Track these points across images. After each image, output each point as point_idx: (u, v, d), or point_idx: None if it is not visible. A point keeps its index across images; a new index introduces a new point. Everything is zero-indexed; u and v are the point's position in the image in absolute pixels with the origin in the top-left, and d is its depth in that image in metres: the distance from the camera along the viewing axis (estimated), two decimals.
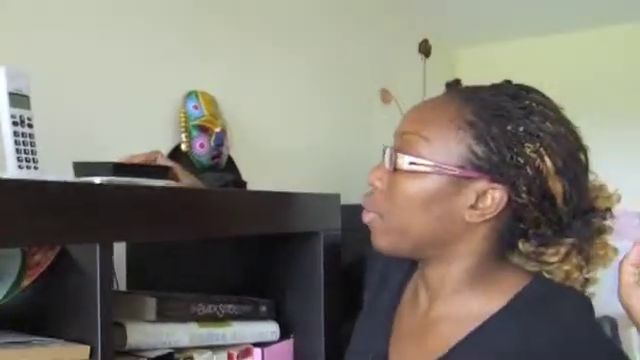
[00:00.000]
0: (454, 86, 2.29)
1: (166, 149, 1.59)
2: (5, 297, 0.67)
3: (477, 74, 2.90)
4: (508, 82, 0.92)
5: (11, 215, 0.60)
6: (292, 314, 1.08)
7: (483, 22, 2.92)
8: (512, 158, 0.82)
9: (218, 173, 1.66)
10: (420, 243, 0.88)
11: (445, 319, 0.91)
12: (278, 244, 1.07)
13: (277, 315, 1.07)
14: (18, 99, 0.94)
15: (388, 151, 0.87)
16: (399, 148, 0.86)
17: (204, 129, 1.62)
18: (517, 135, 0.82)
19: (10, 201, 0.60)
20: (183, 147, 1.60)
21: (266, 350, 1.01)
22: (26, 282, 0.68)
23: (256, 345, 1.01)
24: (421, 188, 0.85)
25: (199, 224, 0.81)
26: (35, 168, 0.88)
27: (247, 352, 0.99)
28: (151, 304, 0.84)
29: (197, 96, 1.65)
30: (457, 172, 0.83)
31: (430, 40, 2.37)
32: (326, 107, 2.30)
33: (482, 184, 0.83)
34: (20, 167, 0.85)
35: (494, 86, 0.89)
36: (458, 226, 0.86)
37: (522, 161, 0.82)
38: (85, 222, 0.67)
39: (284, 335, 1.07)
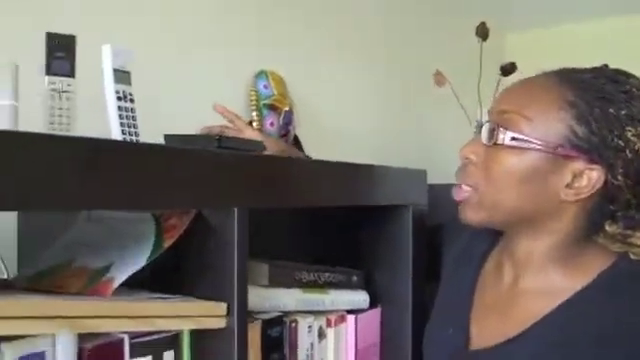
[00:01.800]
0: (510, 70, 2.30)
1: None
2: (150, 257, 0.71)
3: (531, 58, 2.92)
4: (605, 66, 0.95)
5: (151, 180, 0.63)
6: (380, 284, 1.12)
7: (539, 5, 2.92)
8: (612, 140, 0.85)
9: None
10: (512, 217, 0.91)
11: (530, 293, 0.94)
12: (367, 216, 1.11)
13: (366, 285, 1.12)
14: (121, 75, 0.99)
15: (487, 126, 0.90)
16: (500, 124, 0.89)
17: (274, 108, 1.66)
18: (619, 118, 0.85)
19: (151, 166, 0.63)
20: (254, 125, 1.64)
21: (358, 317, 1.05)
22: (167, 244, 0.73)
23: (349, 312, 1.05)
24: (521, 164, 0.88)
25: (311, 193, 0.85)
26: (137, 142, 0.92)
27: (342, 318, 1.03)
28: (264, 270, 0.89)
29: (267, 76, 1.69)
30: (557, 150, 0.86)
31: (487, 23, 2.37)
32: (384, 89, 2.33)
33: (579, 164, 0.86)
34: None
35: (593, 69, 0.92)
36: (551, 203, 0.89)
37: (622, 144, 0.85)
38: (224, 188, 0.71)
39: (372, 304, 1.11)
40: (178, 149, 0.68)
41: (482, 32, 2.28)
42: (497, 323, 0.95)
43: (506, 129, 0.88)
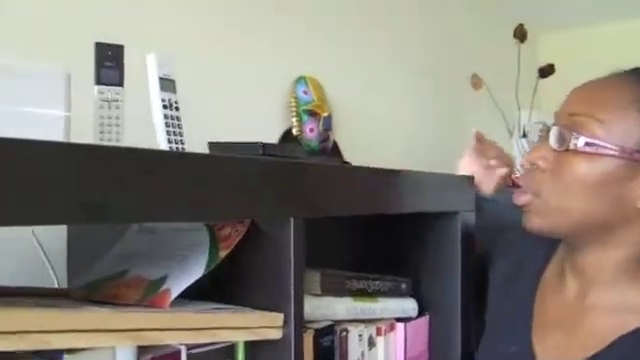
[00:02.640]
0: (548, 71, 2.26)
1: (277, 133, 1.63)
2: (208, 267, 0.71)
3: (565, 58, 2.88)
4: None
5: (207, 190, 0.62)
6: (428, 292, 1.11)
7: (572, 5, 2.89)
8: None
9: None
10: (581, 226, 0.87)
11: (600, 309, 0.89)
12: (414, 223, 1.10)
13: (414, 293, 1.10)
14: (167, 83, 0.99)
15: (556, 130, 0.86)
16: (571, 128, 0.85)
17: (313, 114, 1.66)
18: None
19: (204, 176, 0.62)
20: (294, 131, 1.64)
21: (407, 325, 1.04)
22: (223, 253, 0.72)
23: (398, 320, 1.04)
24: (595, 170, 0.84)
25: (364, 201, 0.84)
26: (182, 150, 0.92)
27: (391, 327, 1.02)
28: (316, 278, 0.88)
29: (306, 81, 1.69)
30: (634, 156, 0.82)
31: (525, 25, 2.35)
32: (421, 93, 2.32)
33: None
34: (170, 149, 0.90)
35: None
36: (627, 212, 0.84)
37: None
38: (279, 197, 0.70)
39: (420, 312, 1.10)
40: (234, 158, 0.68)
41: (520, 34, 2.26)
42: (563, 342, 0.92)
43: (578, 133, 0.84)
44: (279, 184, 0.70)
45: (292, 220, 0.70)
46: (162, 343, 0.63)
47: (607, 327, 0.87)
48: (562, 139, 0.85)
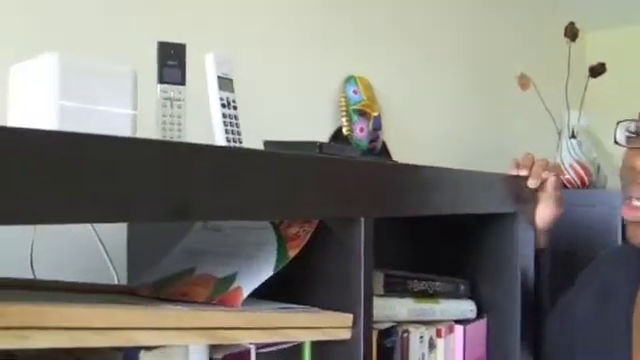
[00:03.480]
0: (599, 70, 2.22)
1: (328, 132, 1.63)
2: (277, 266, 0.71)
3: (615, 58, 2.83)
4: None
5: (277, 188, 0.62)
6: (486, 294, 1.09)
7: (624, 3, 2.84)
8: None
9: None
10: None
11: None
12: (473, 224, 1.09)
13: (472, 295, 1.09)
14: (225, 82, 0.99)
15: None
16: None
17: (363, 113, 1.65)
18: None
19: (271, 173, 0.62)
20: (344, 131, 1.63)
21: (467, 328, 1.03)
22: (292, 253, 0.72)
23: (457, 322, 1.02)
24: None
25: (427, 201, 0.83)
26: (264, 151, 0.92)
27: (451, 329, 1.00)
28: (380, 279, 0.87)
29: (356, 81, 1.68)
30: None
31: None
32: (470, 93, 2.30)
33: None
34: None
35: None
36: None
37: None
38: (350, 197, 0.70)
39: (478, 314, 1.08)
40: (302, 157, 0.67)
41: (571, 32, 2.22)
42: None
43: None
44: (350, 183, 0.70)
45: (362, 220, 0.70)
46: (235, 342, 0.63)
47: None
48: None
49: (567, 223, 2.08)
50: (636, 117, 0.88)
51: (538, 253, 1.11)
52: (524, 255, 1.07)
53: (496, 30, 2.45)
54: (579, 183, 2.15)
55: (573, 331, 1.03)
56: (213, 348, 0.65)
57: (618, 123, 0.89)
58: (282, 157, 0.64)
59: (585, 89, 2.34)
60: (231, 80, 1.01)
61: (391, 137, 1.81)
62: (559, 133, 2.31)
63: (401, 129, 1.89)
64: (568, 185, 2.17)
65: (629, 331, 0.94)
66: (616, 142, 0.89)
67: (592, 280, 1.04)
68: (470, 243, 1.11)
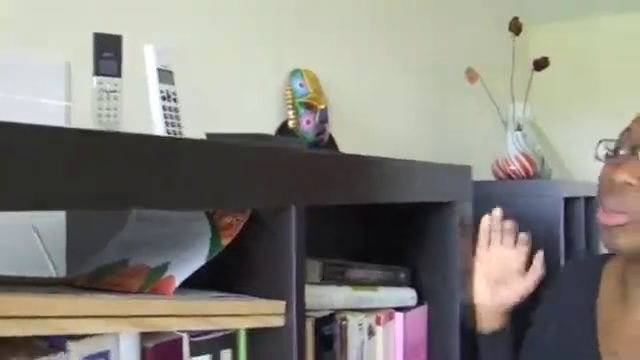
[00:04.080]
0: (543, 64, 2.27)
1: (274, 125, 1.64)
2: (210, 255, 0.71)
3: (558, 53, 2.89)
4: None
5: (206, 178, 0.62)
6: (426, 282, 1.11)
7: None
8: None
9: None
10: None
11: None
12: (412, 213, 1.10)
13: (412, 282, 1.11)
14: (165, 75, 0.99)
15: None
16: None
17: (309, 106, 1.66)
18: None
19: (205, 163, 0.62)
20: (290, 124, 1.64)
21: (407, 315, 1.05)
22: (225, 242, 0.72)
23: (397, 310, 1.04)
24: None
25: (363, 190, 0.85)
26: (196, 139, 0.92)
27: (390, 316, 1.02)
28: (316, 268, 0.88)
29: (302, 74, 1.69)
30: None
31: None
32: (418, 86, 2.33)
33: None
34: None
35: None
36: None
37: None
38: (280, 185, 0.70)
39: (419, 302, 1.10)
40: (234, 146, 0.68)
41: (515, 27, 2.27)
42: (634, 358, 0.95)
43: None
44: (280, 173, 0.71)
45: (293, 208, 0.71)
46: (166, 330, 0.64)
47: None
48: None
49: (513, 213, 2.13)
50: (615, 137, 0.96)
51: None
52: (463, 242, 1.09)
53: (443, 24, 2.49)
54: (524, 174, 2.20)
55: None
56: (144, 337, 0.65)
57: (600, 142, 0.96)
58: (211, 146, 0.65)
59: (529, 82, 2.39)
60: (171, 72, 1.01)
61: (338, 130, 1.82)
62: (505, 125, 2.35)
63: (348, 122, 1.90)
64: (513, 176, 2.21)
65: (594, 335, 0.99)
66: (597, 158, 0.96)
67: (554, 308, 1.09)
68: (411, 232, 1.13)
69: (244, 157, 0.67)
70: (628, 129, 0.95)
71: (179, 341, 0.68)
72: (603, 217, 0.91)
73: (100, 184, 0.50)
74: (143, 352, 0.64)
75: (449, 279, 1.09)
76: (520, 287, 1.16)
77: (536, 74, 2.43)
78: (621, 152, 0.93)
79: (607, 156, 0.96)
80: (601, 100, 3.39)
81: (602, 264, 1.09)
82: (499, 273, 1.13)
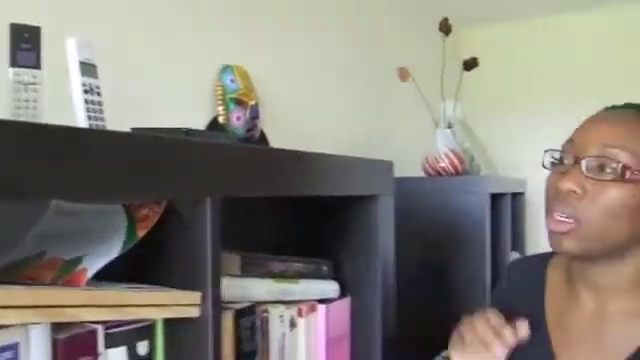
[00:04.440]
0: (472, 64, 2.33)
1: (204, 121, 1.63)
2: (124, 247, 0.71)
3: (489, 53, 2.97)
4: None
5: (120, 170, 0.63)
6: (349, 274, 1.13)
7: (498, 1, 2.99)
8: None
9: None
10: (613, 247, 0.94)
11: (622, 315, 0.97)
12: (335, 207, 1.12)
13: (335, 275, 1.13)
14: (87, 68, 0.99)
15: (595, 160, 0.93)
16: (607, 157, 0.91)
17: (240, 102, 1.67)
18: None
19: (117, 156, 0.63)
20: (221, 119, 1.64)
21: (329, 307, 1.06)
22: (140, 234, 0.73)
23: (320, 302, 1.06)
24: (630, 197, 0.91)
25: (283, 182, 0.86)
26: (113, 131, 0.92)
27: (312, 308, 1.04)
28: (236, 261, 0.89)
29: (233, 70, 1.69)
30: None
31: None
32: (350, 84, 2.36)
33: None
34: None
35: None
36: None
37: None
38: (196, 178, 0.71)
39: (342, 294, 1.12)
40: (149, 137, 0.68)
41: (445, 27, 2.32)
42: (592, 354, 0.98)
43: (617, 163, 0.90)
44: (195, 165, 0.71)
45: (209, 200, 0.72)
46: (77, 320, 0.64)
47: (632, 331, 0.95)
48: (600, 169, 0.92)
49: (443, 207, 2.18)
50: (559, 147, 0.99)
51: None
52: (384, 236, 1.12)
53: (377, 21, 2.52)
54: (453, 171, 2.25)
55: None
56: (56, 329, 0.64)
57: (546, 151, 1.00)
58: (124, 139, 0.65)
59: (459, 82, 2.44)
60: (94, 66, 1.00)
61: (270, 126, 1.83)
62: (436, 123, 2.40)
63: (280, 118, 1.91)
64: (443, 173, 2.26)
65: (545, 330, 1.03)
66: (544, 166, 1.00)
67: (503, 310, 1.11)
68: (334, 225, 1.15)
69: (158, 150, 0.67)
70: (570, 140, 0.99)
71: (93, 333, 0.68)
72: (551, 224, 0.95)
73: (12, 174, 0.50)
74: (54, 344, 0.64)
75: (371, 272, 1.11)
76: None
77: (467, 74, 2.49)
78: (565, 162, 0.97)
79: (553, 164, 1.00)
80: (528, 100, 3.49)
81: (546, 262, 1.13)
82: None
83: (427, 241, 2.19)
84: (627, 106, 1.00)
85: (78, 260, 0.71)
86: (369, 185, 1.09)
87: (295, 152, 0.88)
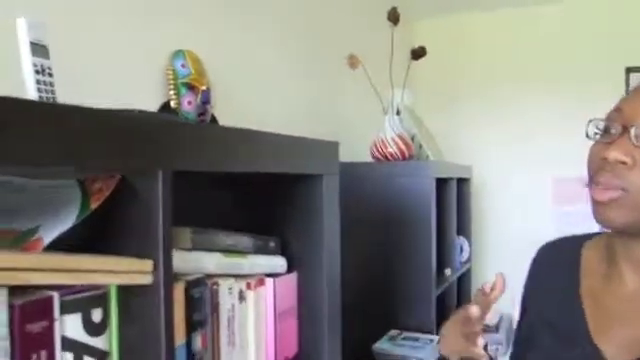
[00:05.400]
0: (420, 53, 2.39)
1: (156, 105, 1.66)
2: (78, 218, 0.75)
3: (437, 44, 3.04)
4: None
5: (74, 143, 0.65)
6: (296, 251, 1.18)
7: None
8: None
9: None
10: None
11: None
12: (283, 186, 1.17)
13: (283, 251, 1.18)
14: (38, 49, 1.01)
15: (636, 130, 0.91)
16: None
17: (191, 87, 1.70)
18: None
19: (75, 128, 0.66)
20: (172, 104, 1.67)
21: (276, 281, 1.11)
22: (93, 206, 0.76)
23: (268, 276, 1.11)
24: None
25: (234, 159, 0.90)
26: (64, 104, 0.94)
27: (261, 282, 1.08)
28: (187, 234, 0.93)
29: (184, 55, 1.72)
30: None
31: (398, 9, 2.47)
32: (299, 71, 2.40)
33: None
34: None
35: None
36: None
37: None
38: (148, 152, 0.75)
39: (290, 269, 1.17)
40: (102, 111, 0.71)
41: (393, 17, 2.38)
42: (631, 335, 0.97)
43: None
44: (147, 139, 0.75)
45: (160, 173, 0.75)
46: (32, 283, 0.67)
47: None
48: None
49: (390, 191, 2.24)
50: (603, 116, 0.98)
51: None
52: (329, 215, 1.17)
53: (328, 8, 2.57)
54: (400, 156, 2.32)
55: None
56: (13, 295, 0.67)
57: (590, 121, 0.98)
58: (76, 111, 0.68)
59: (407, 70, 2.51)
60: (46, 47, 1.02)
61: (222, 111, 1.86)
62: (385, 110, 2.46)
63: (232, 103, 1.95)
64: (390, 158, 2.33)
65: (583, 317, 1.03)
66: (587, 136, 0.98)
67: (536, 297, 1.14)
68: (282, 204, 1.19)
69: (111, 123, 0.71)
70: (618, 109, 0.96)
71: (49, 299, 0.71)
72: (596, 193, 0.94)
73: None
74: (11, 309, 0.67)
75: (317, 248, 1.16)
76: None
77: (415, 63, 2.55)
78: (612, 131, 0.95)
79: (597, 135, 0.98)
80: (475, 89, 3.60)
81: (581, 243, 1.13)
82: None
83: (376, 224, 2.26)
84: None
85: (34, 230, 0.74)
86: (315, 165, 1.13)
87: (243, 130, 0.93)
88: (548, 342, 1.07)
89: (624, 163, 0.91)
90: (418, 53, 2.51)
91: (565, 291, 1.07)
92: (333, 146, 1.18)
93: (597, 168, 0.95)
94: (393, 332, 2.18)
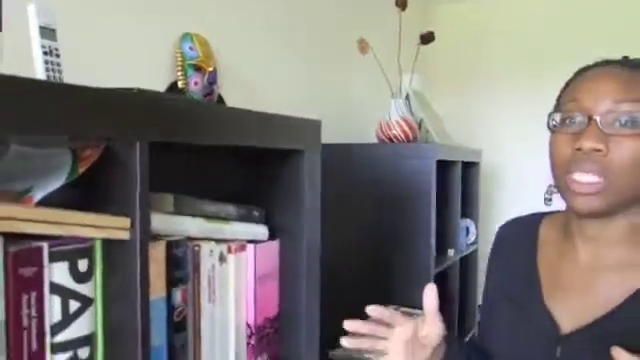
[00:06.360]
0: (428, 38, 2.46)
1: (164, 85, 1.77)
2: (68, 179, 0.86)
3: (454, 28, 3.10)
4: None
5: (66, 116, 0.77)
6: (279, 220, 1.28)
7: None
8: None
9: None
10: (627, 202, 0.99)
11: (614, 267, 1.03)
12: (269, 160, 1.27)
13: (266, 220, 1.28)
14: (47, 32, 1.12)
15: (601, 118, 0.95)
16: (621, 112, 0.95)
17: (198, 68, 1.81)
18: None
19: (60, 103, 0.76)
20: (179, 84, 1.78)
21: (257, 247, 1.21)
22: (81, 169, 0.88)
23: (249, 242, 1.21)
24: None
25: (212, 132, 1.01)
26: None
27: (242, 247, 1.19)
28: (169, 200, 1.04)
29: (192, 38, 1.83)
30: None
31: None
32: (309, 54, 2.49)
33: None
34: None
35: None
36: None
37: None
38: (129, 123, 0.86)
39: (271, 237, 1.27)
40: (93, 89, 0.82)
41: (401, 2, 2.45)
42: (581, 302, 1.04)
43: (630, 116, 0.93)
44: (128, 114, 0.86)
45: (138, 143, 0.86)
46: (26, 231, 0.78)
47: (621, 282, 1.01)
48: (618, 123, 0.95)
49: (393, 172, 2.33)
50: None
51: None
52: (311, 190, 1.27)
53: None
54: (404, 138, 2.41)
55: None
56: (7, 244, 0.79)
57: (549, 115, 1.03)
58: (69, 90, 0.79)
59: (416, 55, 2.59)
60: (54, 30, 1.13)
61: (229, 91, 1.97)
62: (393, 94, 2.55)
63: (238, 84, 2.06)
64: (395, 140, 2.42)
65: (537, 279, 1.12)
66: (549, 128, 1.04)
67: (498, 271, 1.24)
68: (267, 176, 1.29)
69: (98, 100, 0.82)
70: (573, 99, 1.00)
71: (39, 249, 0.83)
72: (574, 186, 0.97)
73: None
74: (6, 255, 0.79)
75: (299, 219, 1.26)
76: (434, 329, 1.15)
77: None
78: (577, 120, 0.98)
79: (557, 126, 1.01)
80: (491, 75, 3.64)
81: (539, 220, 1.20)
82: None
83: (378, 203, 2.35)
84: (619, 61, 1.02)
85: (28, 190, 0.86)
86: (297, 141, 1.23)
87: (229, 108, 1.03)
88: (506, 310, 1.17)
89: (599, 150, 0.94)
90: (427, 38, 2.59)
91: (523, 262, 1.17)
92: (316, 124, 1.28)
93: (569, 159, 0.99)
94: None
